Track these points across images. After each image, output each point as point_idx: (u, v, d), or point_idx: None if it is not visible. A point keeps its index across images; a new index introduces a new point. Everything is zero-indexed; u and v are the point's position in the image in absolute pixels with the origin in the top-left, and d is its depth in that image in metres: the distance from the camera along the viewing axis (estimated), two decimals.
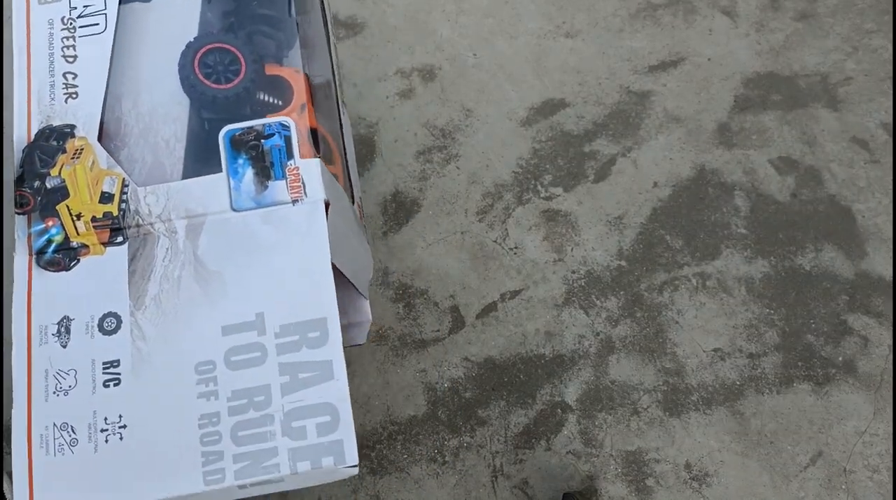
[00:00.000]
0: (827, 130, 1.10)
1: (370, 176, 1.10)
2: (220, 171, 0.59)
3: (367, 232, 0.70)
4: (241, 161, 0.59)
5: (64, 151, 0.59)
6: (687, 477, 0.93)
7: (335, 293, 0.56)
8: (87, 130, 0.60)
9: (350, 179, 0.73)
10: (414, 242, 1.05)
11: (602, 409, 0.96)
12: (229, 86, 0.63)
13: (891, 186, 1.06)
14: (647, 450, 0.94)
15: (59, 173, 0.59)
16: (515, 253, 1.03)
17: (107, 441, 0.52)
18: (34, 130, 0.60)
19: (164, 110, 0.62)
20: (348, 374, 0.98)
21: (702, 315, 1.00)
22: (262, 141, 0.60)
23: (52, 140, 0.60)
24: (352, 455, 0.52)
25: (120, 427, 0.53)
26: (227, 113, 0.61)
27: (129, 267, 0.56)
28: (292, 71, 0.63)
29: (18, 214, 0.57)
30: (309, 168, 0.59)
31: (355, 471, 0.52)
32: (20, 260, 0.56)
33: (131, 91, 0.63)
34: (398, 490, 0.92)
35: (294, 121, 0.61)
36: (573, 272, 1.02)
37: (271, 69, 0.63)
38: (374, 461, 0.93)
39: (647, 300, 1.01)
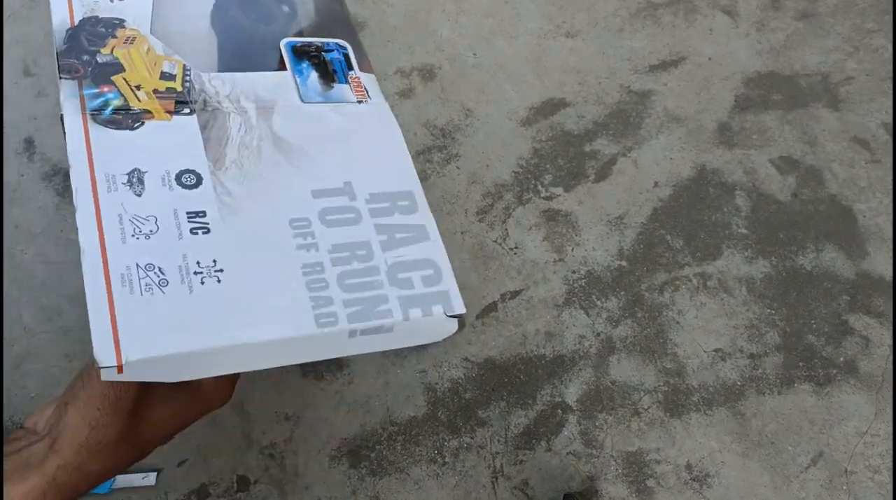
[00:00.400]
0: (828, 129, 1.10)
1: None
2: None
3: None
4: (304, 65, 0.61)
5: (115, 37, 0.57)
6: (688, 478, 0.92)
7: (414, 169, 0.59)
8: (138, 22, 0.59)
9: None
10: None
11: (602, 409, 0.95)
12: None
13: (892, 186, 1.06)
14: (648, 451, 0.94)
15: (112, 52, 0.57)
16: (515, 253, 1.03)
17: (202, 283, 0.48)
18: (77, 19, 0.58)
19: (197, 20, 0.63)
20: (346, 374, 0.98)
21: (702, 315, 1.00)
22: (323, 54, 0.62)
23: (101, 27, 0.58)
24: (459, 305, 0.53)
25: (216, 271, 0.49)
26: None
27: (201, 136, 0.55)
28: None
29: (66, 78, 0.54)
30: (369, 80, 0.62)
31: (455, 327, 0.53)
32: (73, 120, 0.53)
33: None
34: (398, 491, 0.92)
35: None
36: (573, 272, 1.02)
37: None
38: (373, 462, 0.93)
39: (648, 300, 1.01)
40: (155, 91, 0.55)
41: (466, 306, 1.00)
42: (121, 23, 0.59)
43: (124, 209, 0.50)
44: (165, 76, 0.56)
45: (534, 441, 0.94)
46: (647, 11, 1.17)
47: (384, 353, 0.98)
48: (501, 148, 1.11)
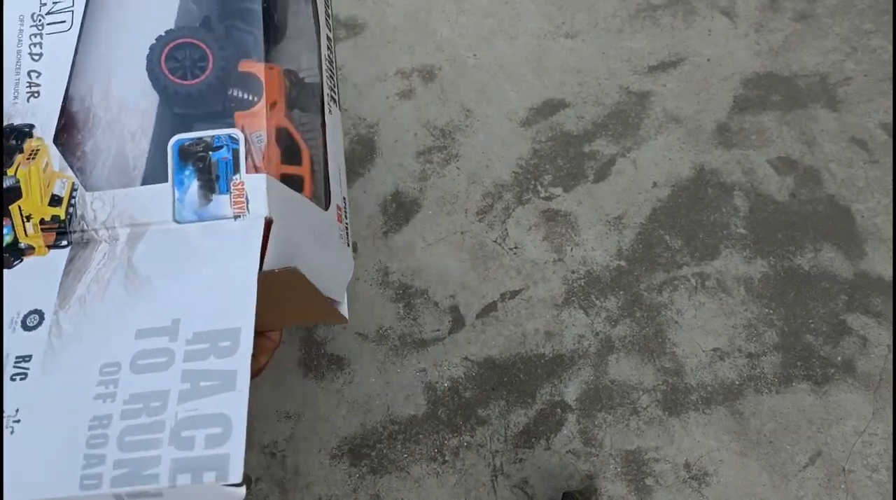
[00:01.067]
0: (826, 130, 1.10)
1: (370, 176, 1.10)
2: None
3: (348, 235, 0.70)
4: (187, 172, 0.59)
5: (21, 151, 0.61)
6: (686, 476, 0.93)
7: (255, 306, 0.55)
8: (44, 130, 0.61)
9: (328, 182, 0.73)
10: (414, 242, 1.06)
11: (602, 408, 0.96)
12: (194, 82, 0.63)
13: (890, 186, 1.06)
14: (647, 449, 0.94)
15: (16, 173, 0.60)
16: (515, 253, 1.04)
17: None
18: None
19: (133, 103, 0.63)
20: (347, 374, 0.99)
21: (701, 315, 1.00)
22: (210, 153, 0.60)
23: (12, 139, 0.61)
24: (236, 473, 0.48)
25: (14, 422, 0.51)
26: (195, 108, 0.62)
27: (64, 269, 0.56)
28: (264, 67, 0.63)
29: None
30: (254, 184, 0.58)
31: (242, 493, 0.47)
32: None
33: (102, 82, 0.63)
34: (398, 489, 0.92)
35: (255, 123, 0.61)
36: (573, 272, 1.03)
37: (245, 65, 0.63)
38: (374, 461, 0.93)
39: (647, 300, 1.01)
40: (41, 222, 0.58)
41: (467, 305, 1.01)
42: (30, 130, 0.61)
43: None
44: (54, 200, 0.59)
45: (533, 440, 0.95)
46: (646, 12, 1.18)
47: (385, 354, 0.99)
48: (501, 148, 1.11)
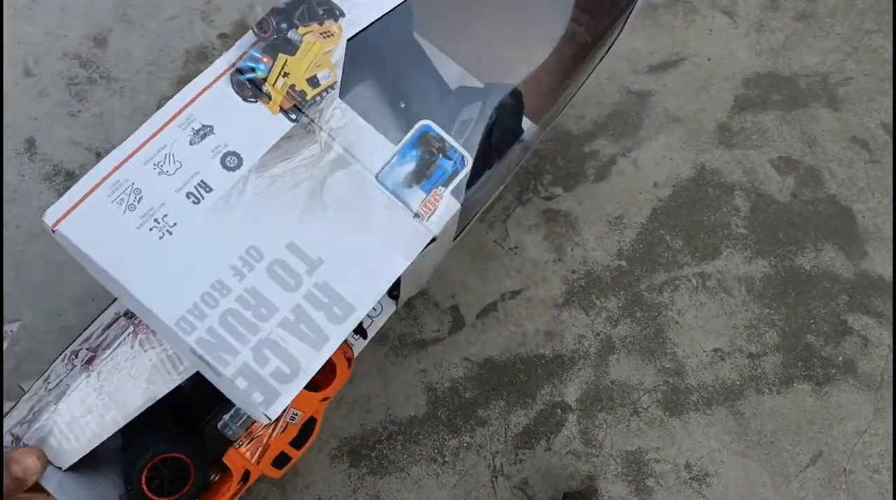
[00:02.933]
0: (827, 130, 1.10)
1: None
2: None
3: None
4: (414, 153, 0.62)
5: (321, 24, 0.63)
6: (687, 477, 0.93)
7: (378, 300, 0.59)
8: (349, 27, 0.63)
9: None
10: None
11: (602, 409, 0.96)
12: None
13: (891, 186, 1.06)
14: (647, 450, 0.94)
15: (303, 36, 0.62)
16: (515, 253, 1.03)
17: (150, 230, 0.55)
18: None
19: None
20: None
21: (702, 315, 1.00)
22: (440, 156, 0.63)
23: (322, 9, 0.63)
24: (275, 411, 0.55)
25: (167, 231, 0.56)
26: None
27: (279, 139, 0.59)
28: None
29: (255, 32, 0.60)
30: (448, 205, 0.62)
31: (265, 422, 0.56)
32: (220, 62, 0.59)
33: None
34: (398, 490, 0.92)
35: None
36: (573, 272, 1.02)
37: None
38: (373, 461, 0.93)
39: (647, 300, 1.01)
40: (291, 86, 0.60)
41: (467, 305, 1.00)
42: (337, 14, 0.63)
43: (172, 144, 0.57)
44: (312, 81, 0.61)
45: (533, 441, 0.95)
46: (646, 12, 1.17)
47: (385, 354, 0.98)
48: None
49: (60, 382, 0.64)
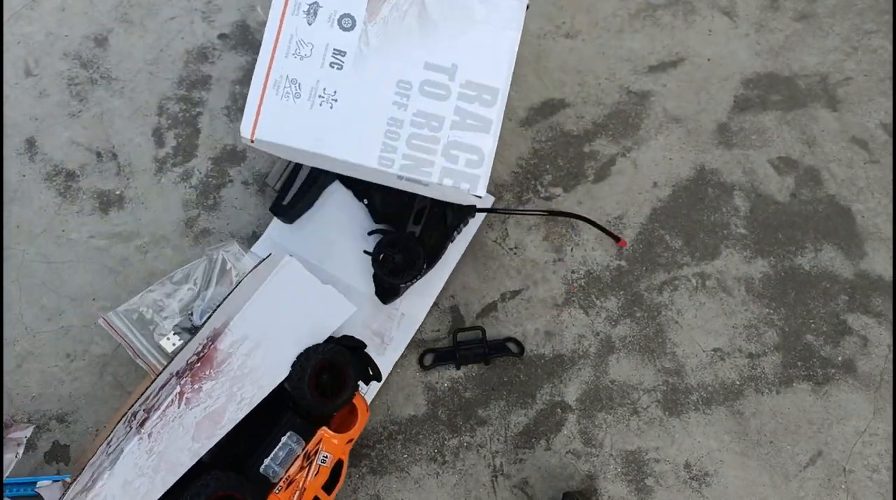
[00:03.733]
0: (826, 130, 1.10)
1: None
2: None
3: None
4: None
5: None
6: (686, 477, 0.93)
7: (511, 73, 0.75)
8: None
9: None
10: None
11: (602, 409, 0.96)
12: None
13: (890, 186, 1.06)
14: (647, 450, 0.94)
15: None
16: (515, 253, 1.04)
17: (321, 105, 0.69)
18: None
19: None
20: None
21: (701, 315, 1.00)
22: None
23: None
24: (482, 189, 0.71)
25: (333, 99, 0.70)
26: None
27: None
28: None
29: None
30: None
31: (475, 201, 0.72)
32: None
33: None
34: (398, 490, 0.92)
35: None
36: (573, 272, 1.03)
37: None
38: (374, 461, 0.93)
39: (647, 300, 1.01)
40: None
41: (467, 305, 1.00)
42: None
43: (296, 32, 0.70)
44: None
45: (533, 440, 0.95)
46: (646, 12, 1.17)
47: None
48: (501, 148, 1.11)
49: (118, 446, 0.67)
